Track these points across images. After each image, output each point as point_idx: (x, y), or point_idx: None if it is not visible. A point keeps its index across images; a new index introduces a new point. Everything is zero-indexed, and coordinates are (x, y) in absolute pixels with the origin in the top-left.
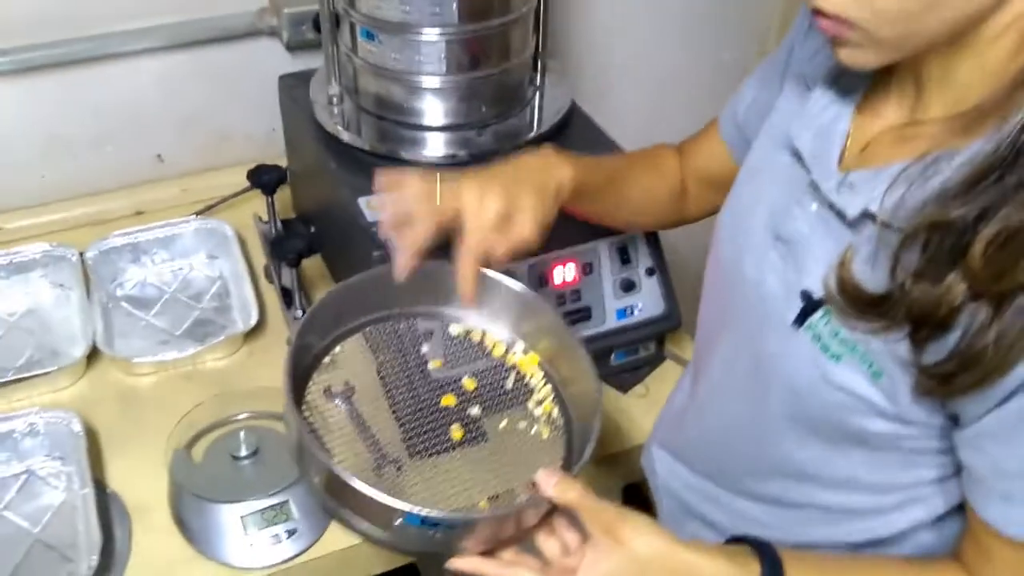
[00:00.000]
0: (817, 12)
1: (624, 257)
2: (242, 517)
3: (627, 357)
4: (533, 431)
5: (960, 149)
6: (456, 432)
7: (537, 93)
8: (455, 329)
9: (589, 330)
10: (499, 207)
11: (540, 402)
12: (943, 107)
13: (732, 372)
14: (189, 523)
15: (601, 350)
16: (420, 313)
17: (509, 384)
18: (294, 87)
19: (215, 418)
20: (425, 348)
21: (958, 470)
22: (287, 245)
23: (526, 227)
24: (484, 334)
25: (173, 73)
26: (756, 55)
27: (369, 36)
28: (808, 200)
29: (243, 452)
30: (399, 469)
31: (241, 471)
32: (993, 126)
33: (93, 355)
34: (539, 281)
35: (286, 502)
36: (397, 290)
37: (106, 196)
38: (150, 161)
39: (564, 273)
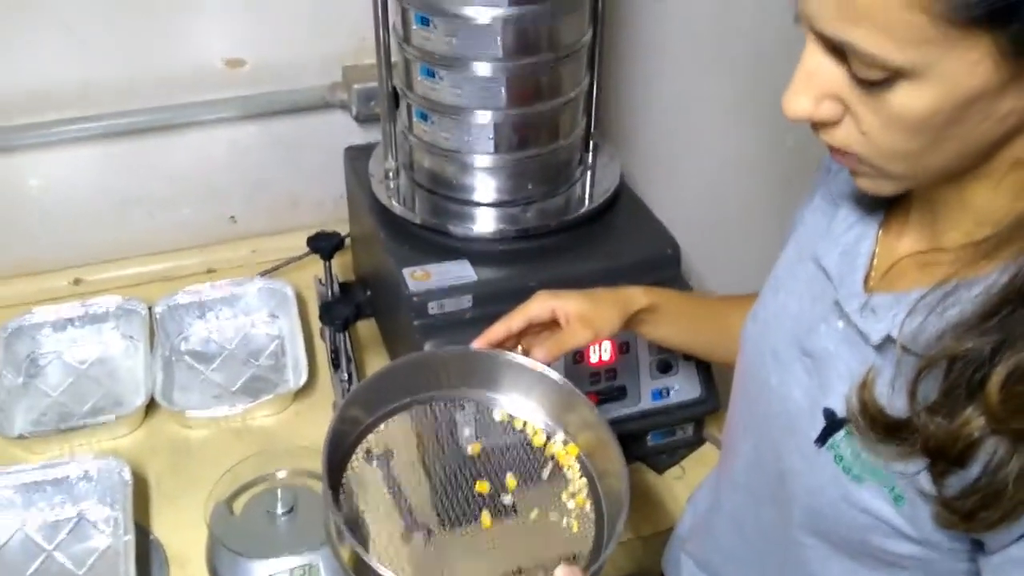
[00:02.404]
0: (829, 146)
1: None
2: (270, 575)
3: (664, 438)
4: (564, 523)
5: (979, 278)
6: (485, 520)
7: (587, 171)
8: (498, 415)
9: (623, 410)
10: (581, 304)
11: (574, 495)
12: (961, 233)
13: (757, 478)
14: (222, 575)
15: (636, 430)
16: (465, 397)
17: (545, 474)
18: (357, 159)
19: (257, 474)
20: (467, 431)
21: None
22: (335, 311)
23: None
24: (526, 423)
25: (247, 141)
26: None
27: (423, 116)
28: (834, 317)
29: (280, 509)
30: (428, 537)
31: (276, 528)
32: (1010, 256)
33: (152, 406)
34: (574, 358)
35: (314, 563)
36: (444, 373)
37: (181, 253)
38: (224, 222)
39: (600, 351)
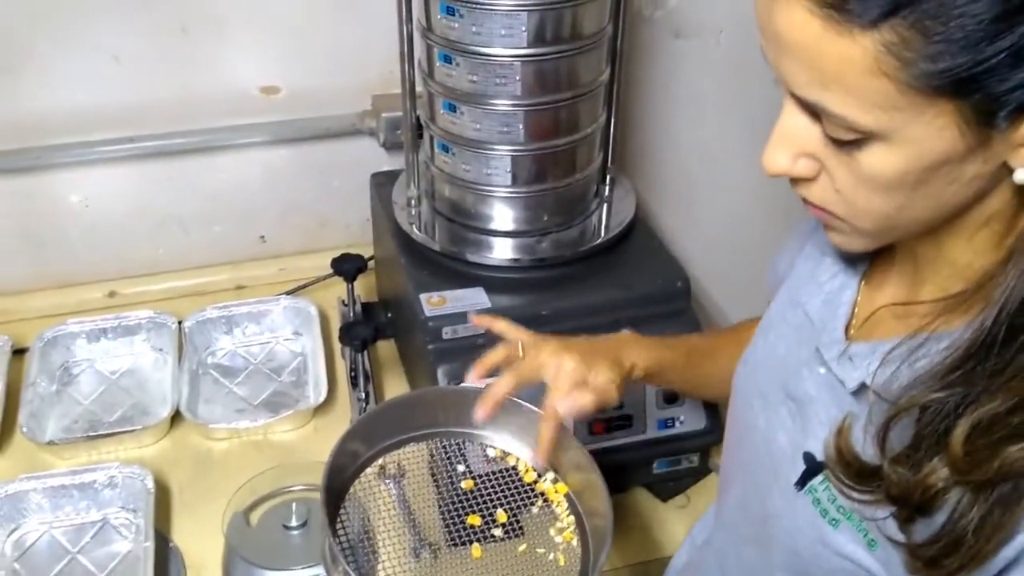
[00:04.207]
0: (805, 201)
1: None
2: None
3: (670, 467)
4: (551, 557)
5: (948, 332)
6: (476, 551)
7: (603, 204)
8: (492, 452)
9: (629, 438)
10: (576, 367)
11: (562, 531)
12: (937, 286)
13: (743, 518)
14: None
15: (641, 458)
16: (461, 433)
17: (535, 510)
18: (382, 185)
19: (274, 487)
20: (461, 468)
21: None
22: (354, 331)
23: (604, 382)
24: (518, 460)
25: (279, 164)
26: None
27: (444, 148)
28: (816, 363)
29: (294, 522)
30: (435, 556)
31: (289, 540)
32: (977, 312)
33: (177, 417)
34: None
35: None
36: (442, 410)
37: (212, 270)
38: (254, 241)
39: None
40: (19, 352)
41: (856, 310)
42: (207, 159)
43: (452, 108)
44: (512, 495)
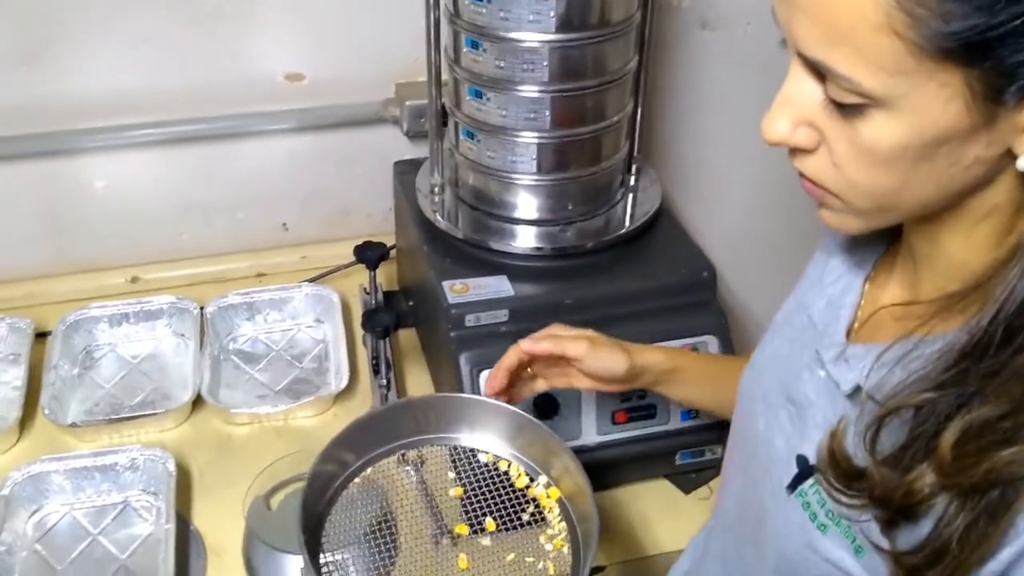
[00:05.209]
0: (801, 175)
1: None
2: (302, 568)
3: (693, 458)
4: (540, 566)
5: (943, 333)
6: (462, 561)
7: (628, 194)
8: (484, 457)
9: (652, 428)
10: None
11: (552, 538)
12: (935, 287)
13: (743, 521)
14: (256, 567)
15: (665, 449)
16: (450, 440)
17: (525, 516)
18: (405, 173)
19: (294, 472)
20: (451, 474)
21: None
22: (376, 319)
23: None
24: (511, 464)
25: (302, 152)
26: None
27: (470, 135)
28: (816, 366)
29: None
30: (455, 543)
31: None
32: (974, 312)
33: (198, 402)
34: None
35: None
36: (433, 417)
37: (233, 257)
38: (276, 229)
39: None
40: (41, 335)
41: (859, 312)
42: (231, 146)
43: (478, 94)
44: (503, 501)
